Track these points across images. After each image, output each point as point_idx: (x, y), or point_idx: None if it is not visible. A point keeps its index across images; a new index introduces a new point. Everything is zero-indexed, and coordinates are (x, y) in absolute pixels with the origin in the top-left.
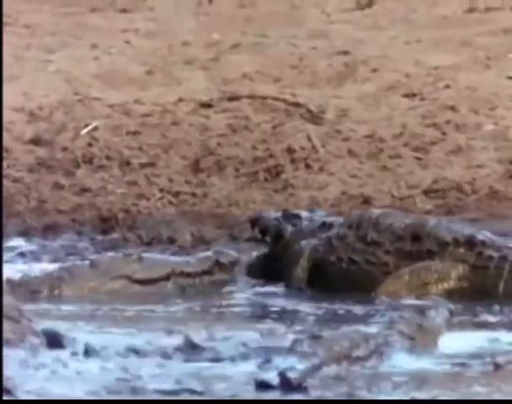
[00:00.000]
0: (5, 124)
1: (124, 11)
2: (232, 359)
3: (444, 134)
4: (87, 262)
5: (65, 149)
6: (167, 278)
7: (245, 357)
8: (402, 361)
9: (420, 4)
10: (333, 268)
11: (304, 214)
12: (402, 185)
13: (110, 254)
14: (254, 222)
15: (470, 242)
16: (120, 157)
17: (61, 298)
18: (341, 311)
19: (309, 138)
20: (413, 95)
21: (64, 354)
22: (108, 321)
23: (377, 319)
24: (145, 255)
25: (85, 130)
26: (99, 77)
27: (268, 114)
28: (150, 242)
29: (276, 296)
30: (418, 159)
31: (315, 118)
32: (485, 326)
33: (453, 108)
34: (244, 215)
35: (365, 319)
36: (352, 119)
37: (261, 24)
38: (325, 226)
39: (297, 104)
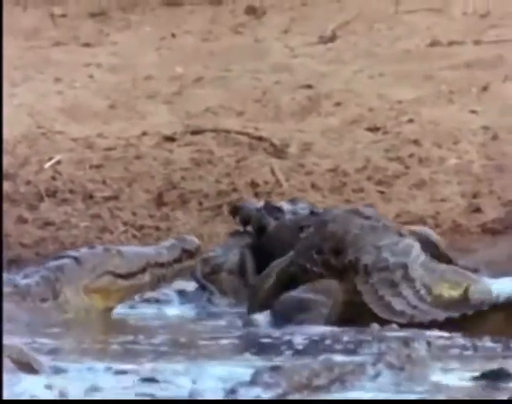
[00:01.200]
0: None
1: (87, 45)
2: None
3: (407, 168)
4: (70, 259)
5: (28, 183)
6: (143, 270)
7: (212, 388)
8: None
9: (383, 38)
10: (295, 272)
11: (286, 206)
12: None
13: (91, 250)
14: (236, 211)
15: (354, 268)
16: (83, 191)
17: (66, 305)
18: (327, 341)
19: (272, 172)
20: (377, 129)
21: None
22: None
23: (365, 350)
24: (122, 248)
25: (48, 164)
26: (63, 111)
27: (231, 148)
28: None
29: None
30: (382, 193)
31: (278, 152)
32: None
33: (416, 142)
34: (208, 249)
35: (352, 349)
36: (315, 152)
37: (224, 58)
38: (314, 214)
39: (261, 138)
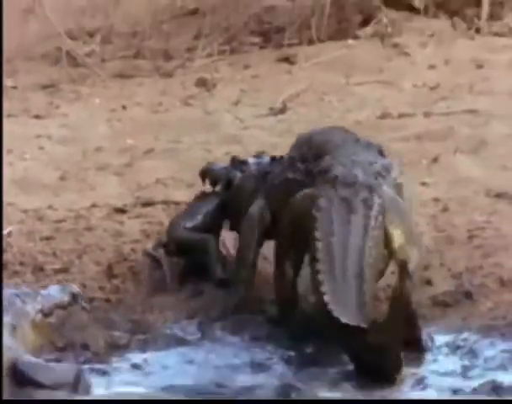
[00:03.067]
0: None
1: (37, 117)
2: None
3: None
4: (13, 296)
5: None
6: (52, 311)
7: None
8: None
9: (334, 110)
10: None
11: (251, 160)
12: None
13: (20, 290)
14: (204, 174)
15: (324, 177)
16: (33, 263)
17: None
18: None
19: (224, 244)
20: None
21: None
22: None
23: None
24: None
25: None
26: (13, 183)
27: None
28: (64, 348)
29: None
30: None
31: None
32: None
33: None
34: (158, 320)
35: None
36: None
37: (174, 130)
38: (275, 161)
39: None
